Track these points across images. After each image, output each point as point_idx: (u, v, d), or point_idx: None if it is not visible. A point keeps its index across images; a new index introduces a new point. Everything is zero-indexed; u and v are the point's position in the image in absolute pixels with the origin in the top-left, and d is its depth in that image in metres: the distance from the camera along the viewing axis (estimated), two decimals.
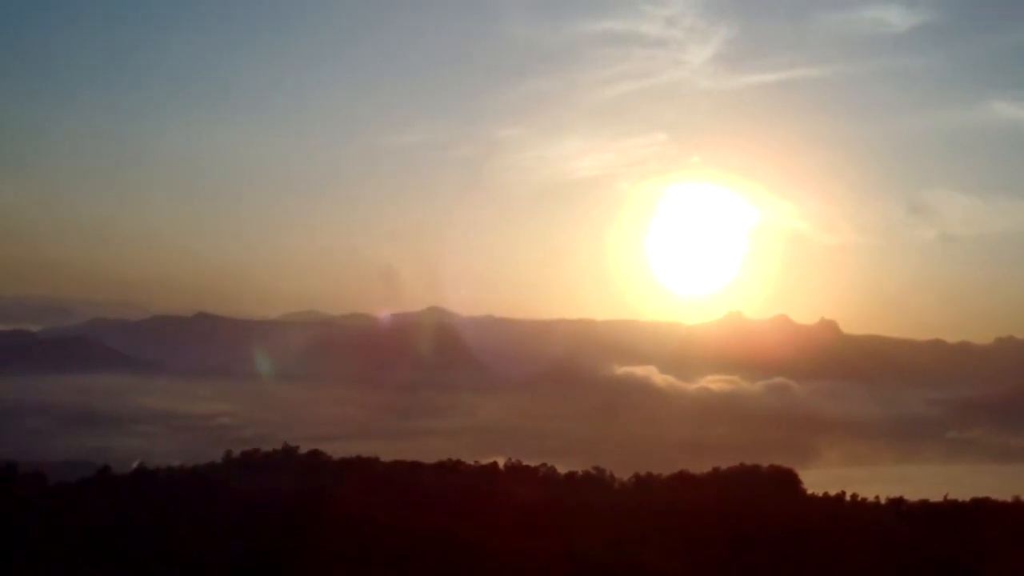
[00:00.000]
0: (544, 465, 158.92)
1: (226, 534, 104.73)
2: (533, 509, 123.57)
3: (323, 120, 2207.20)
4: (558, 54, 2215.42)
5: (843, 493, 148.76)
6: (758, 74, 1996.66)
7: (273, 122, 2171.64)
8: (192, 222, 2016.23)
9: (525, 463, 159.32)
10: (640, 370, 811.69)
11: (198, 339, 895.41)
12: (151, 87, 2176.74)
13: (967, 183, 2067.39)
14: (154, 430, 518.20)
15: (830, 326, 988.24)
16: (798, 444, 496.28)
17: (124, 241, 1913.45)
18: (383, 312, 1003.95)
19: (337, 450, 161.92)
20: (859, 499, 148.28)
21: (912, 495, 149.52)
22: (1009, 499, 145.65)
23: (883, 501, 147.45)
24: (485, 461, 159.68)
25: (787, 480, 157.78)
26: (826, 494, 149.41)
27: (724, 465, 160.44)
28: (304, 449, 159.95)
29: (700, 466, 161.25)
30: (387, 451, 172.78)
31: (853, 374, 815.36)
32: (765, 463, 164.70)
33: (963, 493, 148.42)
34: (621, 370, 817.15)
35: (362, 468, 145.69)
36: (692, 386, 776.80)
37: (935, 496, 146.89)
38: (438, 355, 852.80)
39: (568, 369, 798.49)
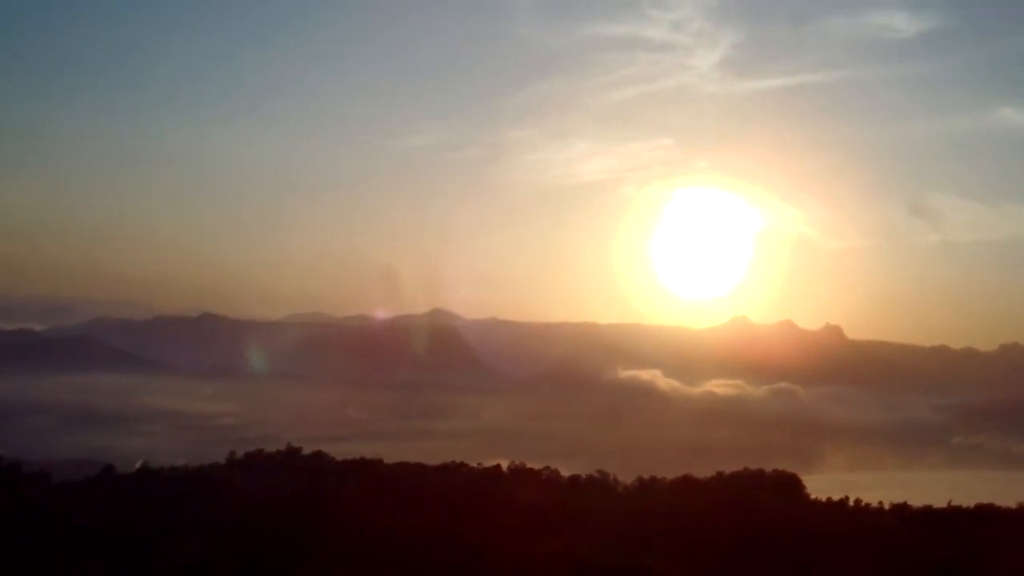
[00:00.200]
0: (547, 468, 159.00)
1: (230, 534, 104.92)
2: (536, 512, 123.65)
3: (329, 121, 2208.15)
4: (565, 57, 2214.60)
5: (847, 498, 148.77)
6: (764, 79, 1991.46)
7: (279, 123, 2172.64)
8: (197, 222, 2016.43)
9: (528, 466, 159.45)
10: (644, 374, 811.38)
11: (202, 339, 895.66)
12: (157, 87, 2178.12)
13: (973, 188, 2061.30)
14: (158, 430, 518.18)
15: (835, 331, 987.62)
16: (802, 449, 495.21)
17: (128, 241, 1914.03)
18: (380, 312, 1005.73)
19: (340, 451, 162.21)
20: (862, 504, 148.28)
21: (916, 500, 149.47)
22: (1013, 505, 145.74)
23: (887, 506, 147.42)
24: (488, 464, 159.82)
25: (791, 485, 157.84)
26: (829, 499, 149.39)
27: (728, 469, 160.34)
28: (308, 450, 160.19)
29: (704, 470, 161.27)
30: (390, 453, 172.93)
31: (857, 379, 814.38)
32: (769, 468, 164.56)
33: (967, 499, 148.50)
34: (625, 373, 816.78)
35: (366, 469, 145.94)
36: (696, 390, 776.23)
37: (939, 502, 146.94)
38: (442, 357, 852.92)
39: (572, 372, 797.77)
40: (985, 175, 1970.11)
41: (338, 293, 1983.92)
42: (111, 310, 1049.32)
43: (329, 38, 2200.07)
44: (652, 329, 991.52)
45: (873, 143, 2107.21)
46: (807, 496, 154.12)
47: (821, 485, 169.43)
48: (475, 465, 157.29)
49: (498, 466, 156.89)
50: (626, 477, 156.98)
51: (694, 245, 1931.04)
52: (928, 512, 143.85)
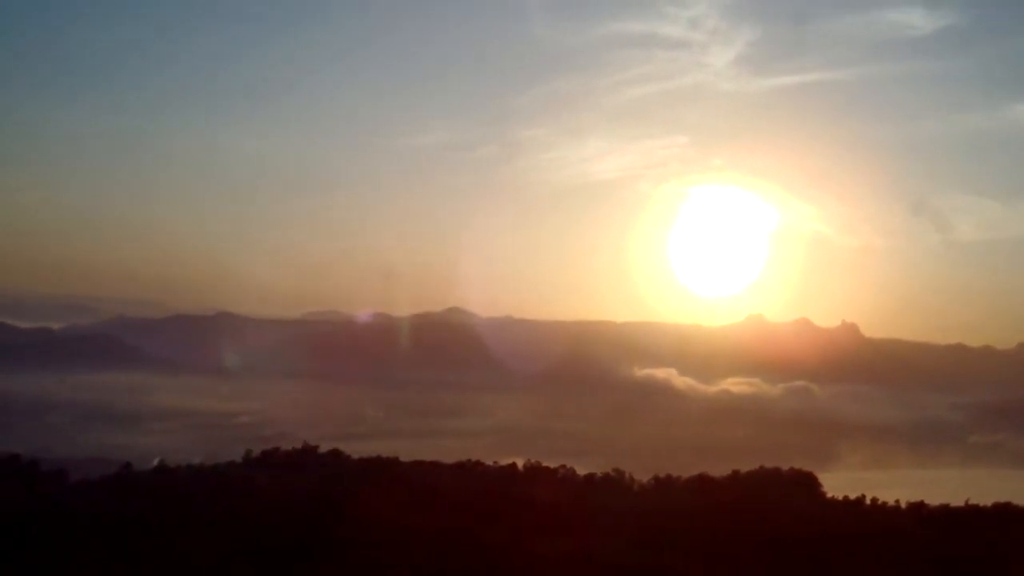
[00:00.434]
0: (563, 466, 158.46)
1: (246, 532, 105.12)
2: (552, 510, 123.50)
3: (344, 120, 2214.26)
4: (580, 55, 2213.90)
5: (863, 497, 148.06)
6: (780, 77, 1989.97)
7: (293, 121, 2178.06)
8: (212, 221, 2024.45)
9: (544, 464, 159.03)
10: (660, 372, 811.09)
11: (219, 338, 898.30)
12: (172, 86, 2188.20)
13: (989, 187, 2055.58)
14: (174, 428, 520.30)
15: (851, 329, 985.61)
16: (818, 447, 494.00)
17: (145, 240, 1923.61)
18: (395, 311, 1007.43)
19: (357, 449, 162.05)
20: (879, 503, 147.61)
21: (933, 499, 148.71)
22: None
23: (903, 505, 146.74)
24: (504, 462, 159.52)
25: (807, 483, 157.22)
26: (846, 497, 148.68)
27: (744, 468, 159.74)
28: (324, 448, 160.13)
29: (720, 469, 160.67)
30: (406, 451, 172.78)
31: (874, 377, 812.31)
32: (785, 466, 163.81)
33: (984, 498, 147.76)
34: (641, 372, 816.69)
35: (382, 468, 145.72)
36: (712, 388, 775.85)
37: (956, 500, 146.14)
38: (457, 355, 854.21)
39: (588, 370, 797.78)
40: (1002, 173, 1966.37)
41: (353, 291, 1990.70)
42: (128, 309, 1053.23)
43: (342, 37, 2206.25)
44: (668, 327, 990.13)
45: (889, 140, 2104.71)
46: (824, 495, 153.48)
47: (838, 483, 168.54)
48: (491, 463, 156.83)
49: (513, 464, 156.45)
50: (642, 476, 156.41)
51: (710, 243, 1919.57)
52: (945, 511, 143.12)
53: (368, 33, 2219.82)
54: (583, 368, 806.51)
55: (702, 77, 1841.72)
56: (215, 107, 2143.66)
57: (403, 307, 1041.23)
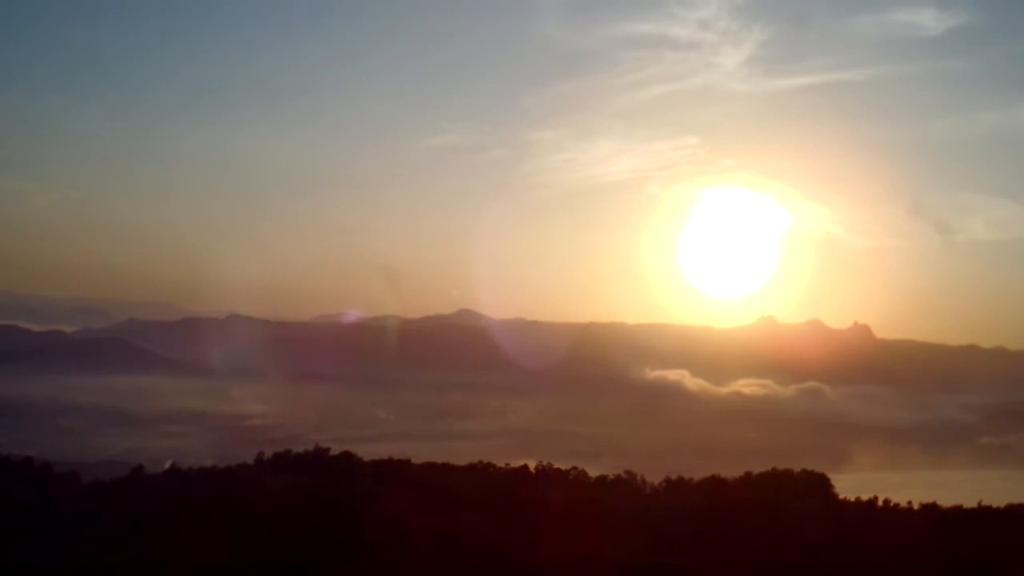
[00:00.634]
0: (575, 468, 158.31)
1: (258, 534, 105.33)
2: (564, 512, 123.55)
3: (354, 122, 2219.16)
4: (590, 57, 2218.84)
5: (875, 498, 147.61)
6: (791, 77, 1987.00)
7: (304, 124, 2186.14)
8: (224, 224, 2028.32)
9: (556, 466, 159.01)
10: (672, 374, 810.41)
11: (230, 340, 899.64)
12: (184, 88, 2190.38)
13: (1002, 187, 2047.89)
14: (186, 431, 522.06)
15: (863, 330, 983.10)
16: (830, 449, 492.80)
17: (157, 243, 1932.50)
18: (406, 313, 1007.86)
19: (368, 452, 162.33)
20: (892, 504, 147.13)
21: (945, 500, 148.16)
22: None
23: (916, 506, 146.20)
24: (516, 464, 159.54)
25: (819, 484, 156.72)
26: (858, 499, 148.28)
27: (756, 469, 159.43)
28: (336, 450, 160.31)
29: (732, 470, 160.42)
30: (418, 453, 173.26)
31: (886, 379, 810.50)
32: (797, 467, 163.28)
33: (997, 499, 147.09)
34: (653, 374, 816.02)
35: (394, 470, 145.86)
36: (724, 390, 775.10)
37: (969, 502, 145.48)
38: (469, 357, 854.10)
39: (599, 372, 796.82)
40: (1014, 173, 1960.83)
41: (365, 294, 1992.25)
42: (141, 312, 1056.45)
43: (352, 39, 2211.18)
44: (679, 329, 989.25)
45: (900, 141, 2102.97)
46: (836, 496, 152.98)
47: (850, 485, 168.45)
48: (502, 465, 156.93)
49: (525, 466, 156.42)
50: (654, 477, 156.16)
51: (721, 244, 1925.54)
52: (958, 512, 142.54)
53: (379, 36, 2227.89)
54: (594, 370, 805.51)
55: (712, 78, 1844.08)
56: (224, 110, 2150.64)
57: (414, 309, 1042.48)
